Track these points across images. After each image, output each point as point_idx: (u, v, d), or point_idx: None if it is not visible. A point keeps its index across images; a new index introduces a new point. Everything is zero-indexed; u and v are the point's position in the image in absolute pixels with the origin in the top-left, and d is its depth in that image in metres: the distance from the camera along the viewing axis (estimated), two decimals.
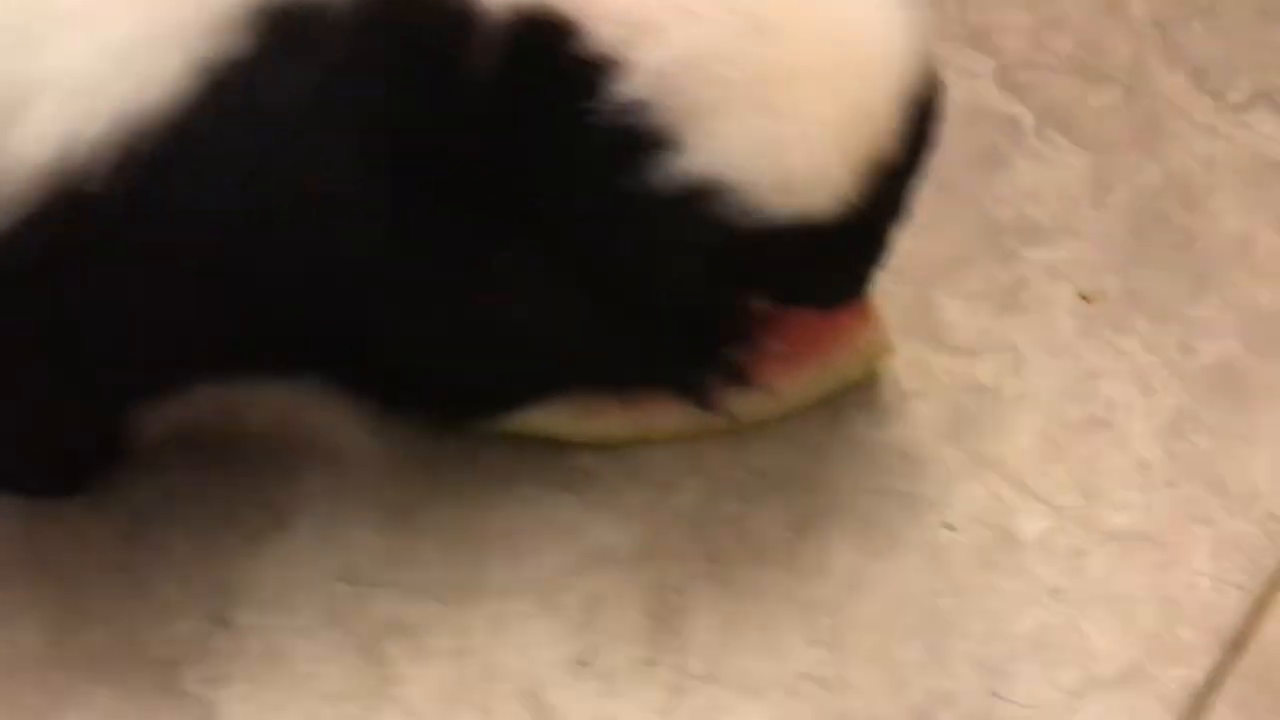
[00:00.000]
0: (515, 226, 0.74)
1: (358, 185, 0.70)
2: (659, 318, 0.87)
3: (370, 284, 0.75)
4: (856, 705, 0.83)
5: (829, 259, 0.78)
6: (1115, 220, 1.02)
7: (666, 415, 0.91)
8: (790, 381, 0.91)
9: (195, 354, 0.79)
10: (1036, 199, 1.04)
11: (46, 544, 0.95)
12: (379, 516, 0.94)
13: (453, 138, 0.70)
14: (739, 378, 0.89)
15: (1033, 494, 0.90)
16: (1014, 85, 1.12)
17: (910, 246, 1.01)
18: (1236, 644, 0.83)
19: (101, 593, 0.93)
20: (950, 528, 0.89)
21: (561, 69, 0.68)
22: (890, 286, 0.99)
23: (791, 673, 0.84)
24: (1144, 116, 1.08)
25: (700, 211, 0.70)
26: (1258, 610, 0.85)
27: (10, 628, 0.91)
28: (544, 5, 0.67)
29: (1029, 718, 0.82)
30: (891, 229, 0.80)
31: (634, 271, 0.76)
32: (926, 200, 1.04)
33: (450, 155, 0.70)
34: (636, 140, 0.68)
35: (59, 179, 0.65)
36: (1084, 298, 0.98)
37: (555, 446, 0.95)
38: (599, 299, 0.80)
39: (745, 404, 0.90)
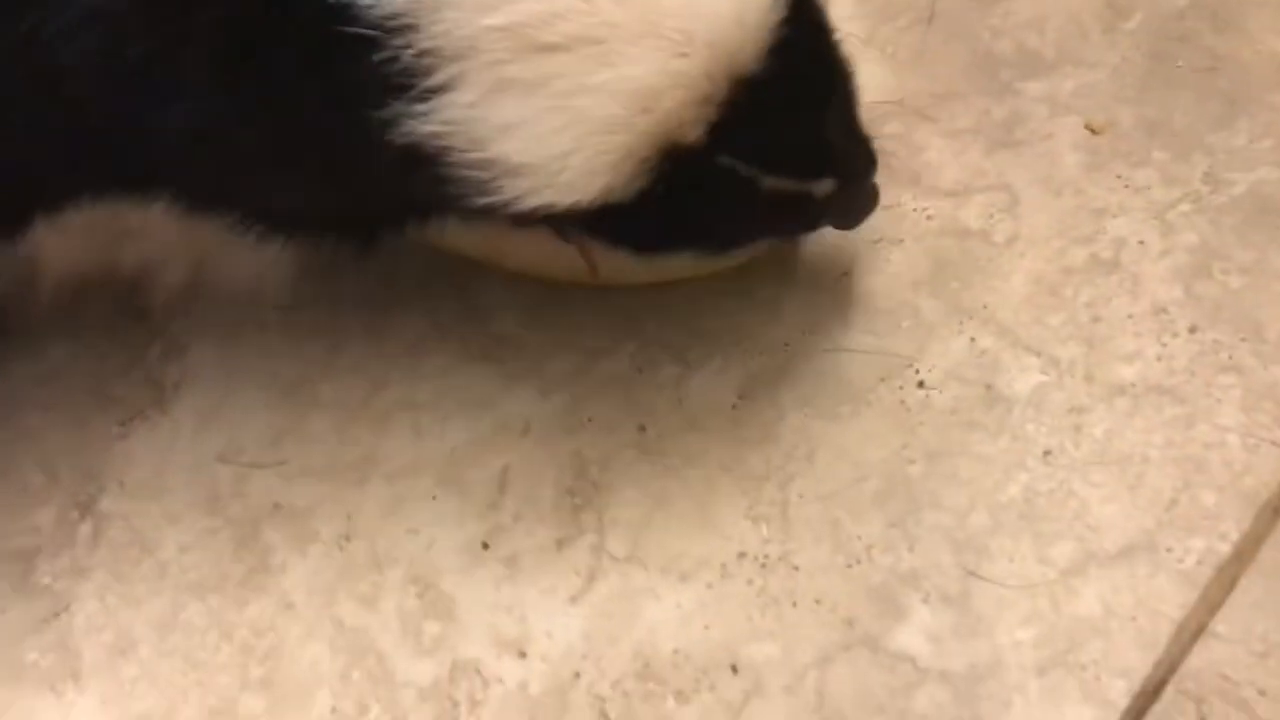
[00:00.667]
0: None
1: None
2: None
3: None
4: (802, 588, 0.69)
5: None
6: (1131, 47, 0.87)
7: (528, 247, 0.78)
8: None
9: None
10: (1039, 30, 0.90)
11: None
12: (270, 394, 0.82)
13: None
14: None
15: (1024, 346, 0.75)
16: None
17: (891, 84, 0.88)
18: (1275, 507, 0.67)
19: None
20: (924, 386, 0.75)
21: None
22: (867, 125, 0.86)
23: (727, 552, 0.71)
24: None
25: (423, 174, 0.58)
26: None
27: None
28: None
29: (1014, 600, 0.67)
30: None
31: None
32: (911, 38, 0.91)
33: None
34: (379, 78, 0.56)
35: None
36: (1091, 130, 0.83)
37: (477, 314, 0.83)
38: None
39: (610, 256, 0.76)
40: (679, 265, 0.76)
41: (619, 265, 0.76)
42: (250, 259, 0.89)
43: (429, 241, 0.82)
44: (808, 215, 0.70)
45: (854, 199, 0.71)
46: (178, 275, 0.91)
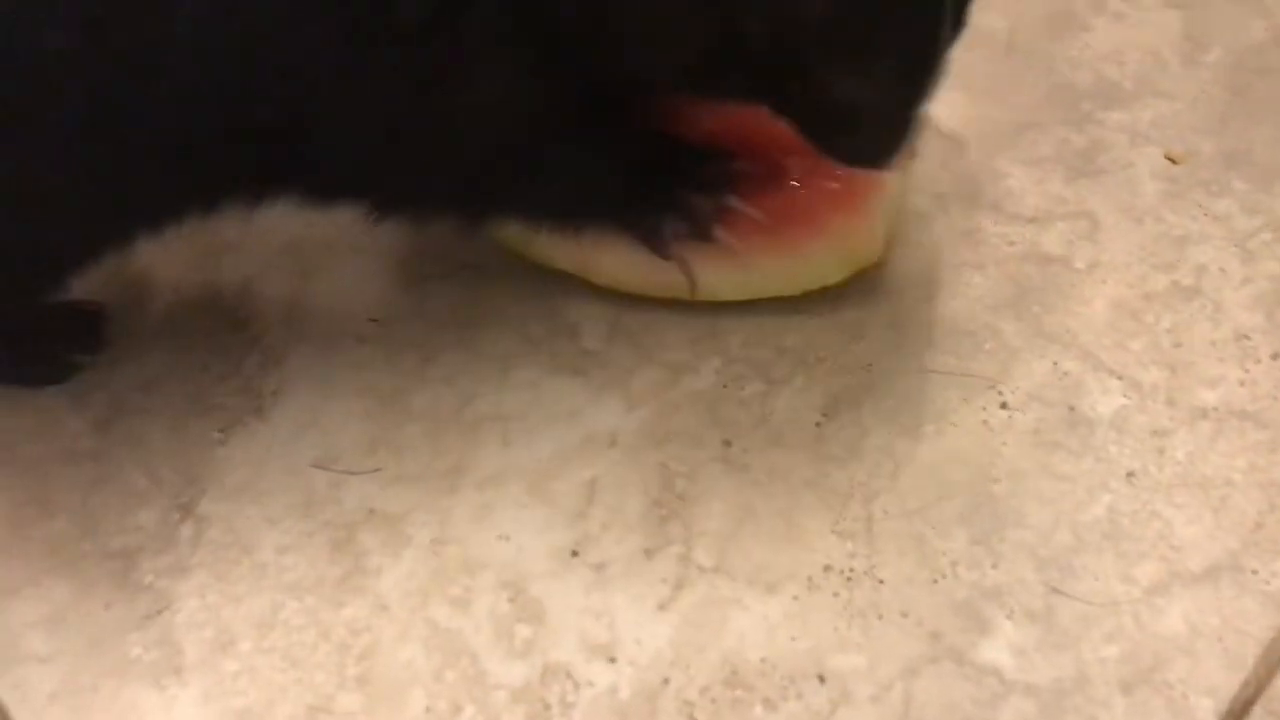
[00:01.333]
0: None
1: None
2: (617, 132, 0.76)
3: (322, 64, 0.65)
4: (888, 601, 0.70)
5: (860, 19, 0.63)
6: (1210, 79, 0.89)
7: (623, 260, 0.80)
8: (758, 255, 0.79)
9: (174, 165, 0.71)
10: (1118, 61, 0.91)
11: (18, 435, 0.89)
12: (365, 403, 0.85)
13: None
14: (699, 227, 0.77)
15: (1107, 369, 0.76)
16: None
17: (972, 113, 0.90)
18: None
19: (67, 483, 0.86)
20: (1007, 407, 0.76)
21: None
22: (948, 152, 0.88)
23: (813, 565, 0.72)
24: None
25: None
26: None
27: None
28: None
29: (1098, 617, 0.68)
30: (921, 37, 0.66)
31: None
32: (991, 66, 0.93)
33: None
34: None
35: None
36: (1171, 160, 0.85)
37: (564, 329, 0.85)
38: (562, 95, 0.69)
39: (707, 270, 0.78)
40: (770, 279, 0.78)
41: (714, 280, 0.78)
42: (346, 273, 0.93)
43: (522, 256, 0.85)
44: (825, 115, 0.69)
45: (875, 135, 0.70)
46: (276, 288, 0.94)
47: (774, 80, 0.67)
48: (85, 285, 0.89)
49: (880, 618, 0.70)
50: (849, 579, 0.72)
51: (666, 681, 0.70)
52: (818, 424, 0.77)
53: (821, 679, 0.68)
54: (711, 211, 0.76)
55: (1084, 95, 0.90)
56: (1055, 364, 0.77)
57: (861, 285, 0.82)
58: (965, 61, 0.90)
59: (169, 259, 0.95)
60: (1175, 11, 0.93)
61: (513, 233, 0.82)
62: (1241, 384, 0.74)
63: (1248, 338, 0.76)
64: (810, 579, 0.72)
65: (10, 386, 0.91)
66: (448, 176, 0.74)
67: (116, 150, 0.71)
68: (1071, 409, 0.75)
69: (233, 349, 0.91)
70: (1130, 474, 0.72)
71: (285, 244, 0.93)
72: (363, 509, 0.80)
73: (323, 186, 0.75)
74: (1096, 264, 0.81)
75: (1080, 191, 0.85)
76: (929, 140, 0.87)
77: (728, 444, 0.78)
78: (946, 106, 0.87)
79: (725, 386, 0.80)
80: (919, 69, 0.66)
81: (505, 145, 0.72)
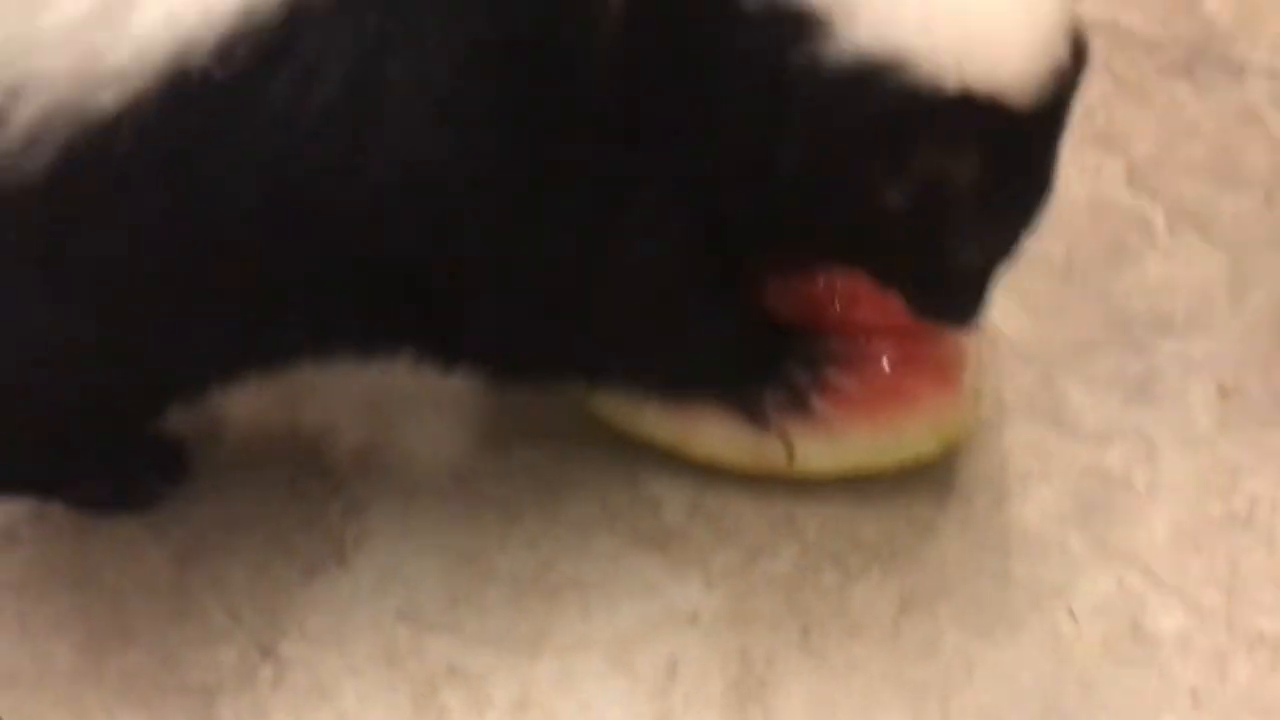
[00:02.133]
0: (645, 171, 0.69)
1: (474, 102, 0.66)
2: (737, 310, 0.81)
3: (474, 222, 0.70)
4: None
5: (997, 185, 0.69)
6: (1256, 319, 0.96)
7: (722, 434, 0.85)
8: (855, 429, 0.84)
9: (287, 307, 0.74)
10: (1169, 293, 0.98)
11: (97, 560, 0.90)
12: (446, 559, 0.88)
13: (587, 61, 0.65)
14: (799, 401, 0.82)
15: (1168, 588, 0.81)
16: (1145, 185, 1.07)
17: (1035, 330, 0.96)
18: None
19: (147, 613, 0.87)
20: (1074, 617, 0.80)
21: None
22: (1011, 366, 0.94)
23: None
24: None
25: (876, 88, 0.63)
26: None
27: (48, 641, 0.86)
28: None
29: None
30: (1040, 194, 0.72)
31: (805, 182, 0.68)
32: (1051, 288, 1.00)
33: (583, 82, 0.66)
34: (792, 26, 0.63)
35: (172, 60, 0.62)
36: (1222, 392, 0.91)
37: (644, 502, 0.89)
38: (701, 262, 0.74)
39: (805, 443, 0.83)
40: (865, 452, 0.82)
41: (810, 452, 0.82)
42: (427, 427, 0.96)
43: (613, 427, 0.89)
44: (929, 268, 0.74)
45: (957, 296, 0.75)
46: (357, 436, 0.97)
47: (895, 245, 0.72)
48: (169, 418, 0.92)
49: None
50: None
51: None
52: (894, 619, 0.81)
53: None
54: (810, 385, 0.81)
55: (1138, 323, 0.96)
56: (1119, 579, 0.82)
57: (933, 485, 0.87)
58: (1026, 282, 0.97)
59: (249, 397, 0.98)
60: (1222, 254, 1.01)
61: (605, 405, 0.86)
62: None
63: None
64: None
65: (92, 512, 0.93)
66: (581, 344, 0.79)
67: (252, 295, 0.74)
68: (1135, 625, 0.79)
69: (315, 494, 0.93)
70: (1194, 692, 0.76)
71: (364, 391, 0.96)
72: (444, 665, 0.82)
73: (449, 349, 0.79)
74: (1156, 485, 0.86)
75: (1137, 414, 0.91)
76: (994, 354, 0.93)
77: (806, 631, 0.81)
78: (1009, 324, 0.93)
79: (803, 573, 0.84)
80: (1025, 229, 0.73)
81: (647, 313, 0.76)
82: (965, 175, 0.68)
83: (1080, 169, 0.91)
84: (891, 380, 0.83)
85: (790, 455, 0.82)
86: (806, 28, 0.64)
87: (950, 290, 0.76)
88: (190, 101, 0.63)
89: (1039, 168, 0.72)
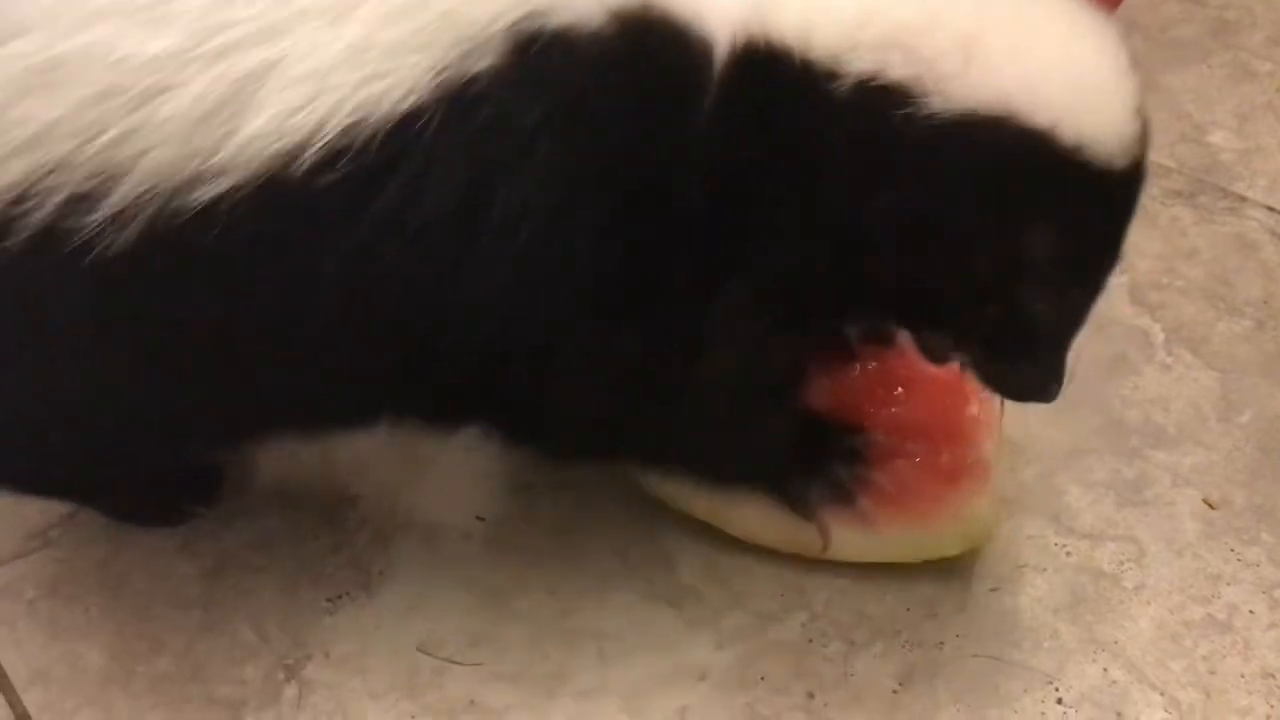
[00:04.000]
0: (735, 270, 0.73)
1: (579, 221, 0.70)
2: (794, 410, 0.86)
3: (568, 328, 0.74)
4: None
5: (1082, 246, 0.72)
6: (1243, 438, 1.02)
7: (760, 516, 0.90)
8: (889, 524, 0.89)
9: (370, 384, 0.78)
10: (1164, 407, 1.05)
11: (129, 569, 0.93)
12: (470, 596, 0.92)
13: (683, 173, 0.70)
14: (842, 496, 0.87)
15: (1150, 683, 0.86)
16: (1145, 302, 1.14)
17: (1037, 431, 1.02)
18: None
19: (175, 625, 0.90)
20: (1062, 703, 0.85)
21: (787, 81, 0.68)
22: (1015, 464, 0.99)
23: None
24: (1274, 349, 1.09)
25: (986, 135, 0.66)
26: None
27: (79, 643, 0.89)
28: (763, 29, 0.69)
29: None
30: (1114, 259, 0.75)
31: (892, 238, 0.70)
32: None
33: (680, 194, 0.70)
34: (886, 100, 0.66)
35: (274, 164, 0.66)
36: (1208, 504, 0.97)
37: (661, 559, 0.93)
38: (775, 364, 0.79)
39: (839, 533, 0.88)
40: (894, 546, 0.88)
41: (842, 542, 0.87)
42: (454, 466, 1.00)
43: (650, 493, 0.93)
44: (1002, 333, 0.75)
45: (1030, 372, 0.77)
46: (386, 471, 1.01)
47: (979, 308, 0.74)
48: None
49: None
50: None
51: None
52: (894, 691, 0.85)
53: None
54: (852, 481, 0.86)
55: (1133, 431, 1.03)
56: (1105, 670, 0.87)
57: (937, 569, 0.92)
58: None
59: None
60: (1214, 373, 1.07)
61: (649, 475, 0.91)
62: (1267, 718, 0.84)
63: (1273, 676, 0.86)
64: None
65: (125, 522, 0.96)
66: (650, 436, 0.84)
67: (325, 378, 0.78)
68: (1119, 714, 0.84)
69: (344, 524, 0.97)
70: None
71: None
72: (464, 699, 0.85)
73: (519, 431, 0.83)
74: (1142, 586, 0.92)
75: (1129, 518, 0.96)
76: (1000, 449, 0.98)
77: (810, 696, 0.85)
78: (1014, 422, 0.99)
79: (810, 641, 0.88)
80: (1093, 303, 0.76)
81: (724, 410, 0.81)
82: (1056, 233, 0.71)
83: None
84: (924, 481, 0.88)
85: (826, 545, 0.87)
86: (901, 95, 0.67)
87: (1025, 359, 0.77)
88: (286, 203, 0.66)
89: (1120, 230, 0.74)
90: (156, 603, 0.91)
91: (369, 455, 1.01)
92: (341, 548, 0.95)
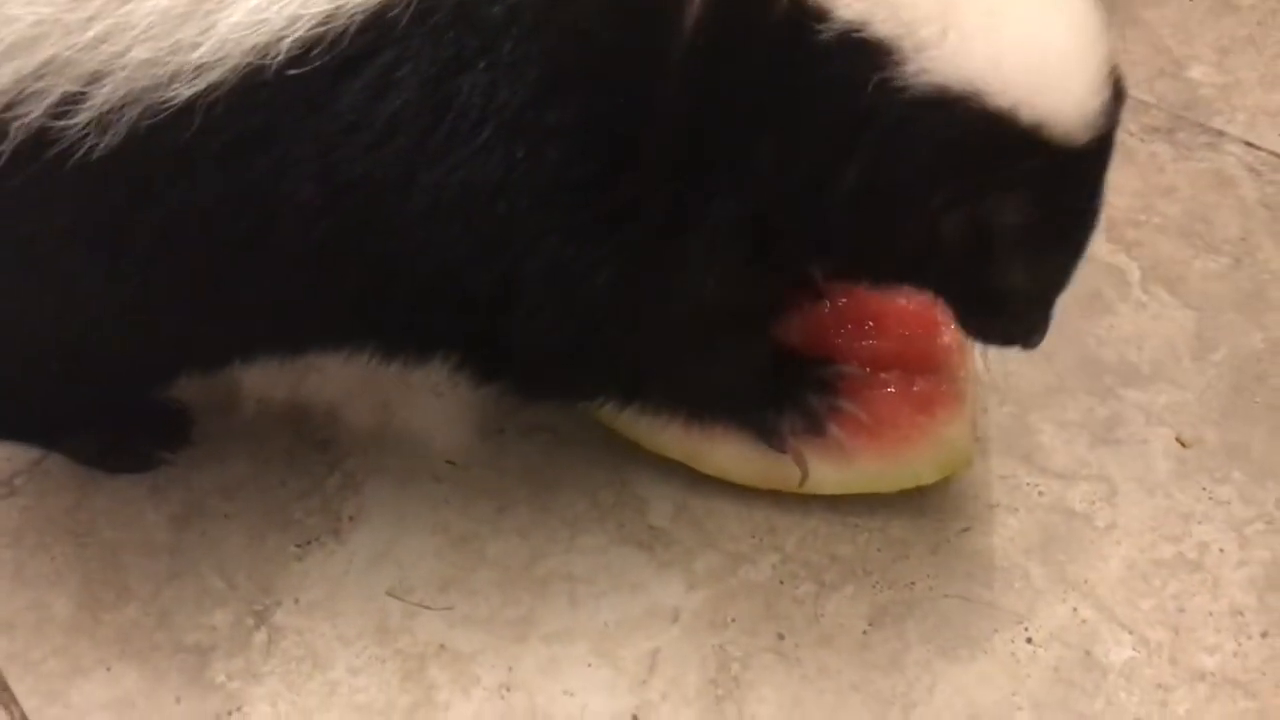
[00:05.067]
0: (708, 199, 0.71)
1: (545, 123, 0.68)
2: (767, 343, 0.86)
3: (533, 240, 0.72)
4: None
5: (1049, 218, 0.72)
6: (1216, 376, 1.02)
7: (735, 452, 0.89)
8: (864, 455, 0.89)
9: (330, 303, 0.77)
10: (1138, 345, 1.04)
11: (96, 517, 0.93)
12: (440, 541, 0.91)
13: (659, 88, 0.68)
14: (814, 425, 0.87)
15: (1119, 622, 0.86)
16: (1122, 240, 1.13)
17: (1011, 369, 1.01)
18: None
19: (143, 572, 0.90)
20: (1031, 643, 0.85)
21: (773, 11, 0.67)
22: (989, 403, 0.99)
23: None
24: (1250, 287, 1.08)
25: (945, 116, 0.66)
26: None
27: (45, 591, 0.88)
28: None
29: None
30: (1092, 220, 0.76)
31: (864, 203, 0.70)
32: None
33: (656, 108, 0.69)
34: (866, 54, 0.66)
35: (250, 58, 0.65)
36: (1181, 443, 0.97)
37: (632, 502, 0.93)
38: (746, 295, 0.78)
39: (814, 465, 0.88)
40: (871, 477, 0.88)
41: (819, 474, 0.87)
42: (426, 413, 0.99)
43: (624, 433, 0.92)
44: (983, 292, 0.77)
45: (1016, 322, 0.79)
46: (357, 416, 1.00)
47: (951, 270, 0.75)
48: (178, 385, 0.94)
49: None
50: None
51: None
52: (864, 631, 0.85)
53: None
54: (824, 410, 0.86)
55: (1108, 370, 1.02)
56: (1075, 610, 0.87)
57: (908, 508, 0.92)
58: None
59: (254, 371, 1.01)
60: (1189, 311, 1.07)
61: (617, 415, 0.90)
62: (1235, 655, 0.85)
63: (1241, 614, 0.87)
64: None
65: (91, 467, 0.95)
66: (622, 367, 0.83)
67: (296, 288, 0.77)
68: (1087, 653, 0.85)
69: (313, 469, 0.96)
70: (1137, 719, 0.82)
71: (367, 375, 0.99)
72: (434, 643, 0.85)
73: (491, 362, 0.82)
74: (1113, 525, 0.92)
75: (1101, 457, 0.96)
76: (972, 376, 0.98)
77: (781, 637, 0.85)
78: (989, 362, 0.98)
79: (781, 583, 0.88)
80: (1077, 259, 0.76)
81: (693, 340, 0.80)
82: (1018, 208, 0.71)
83: None
84: (899, 410, 0.88)
85: (804, 476, 0.87)
86: (882, 57, 0.67)
87: (1006, 315, 0.79)
88: (261, 97, 0.66)
89: (1087, 201, 0.75)
90: (124, 550, 0.91)
91: (339, 400, 1.00)
92: (310, 494, 0.94)
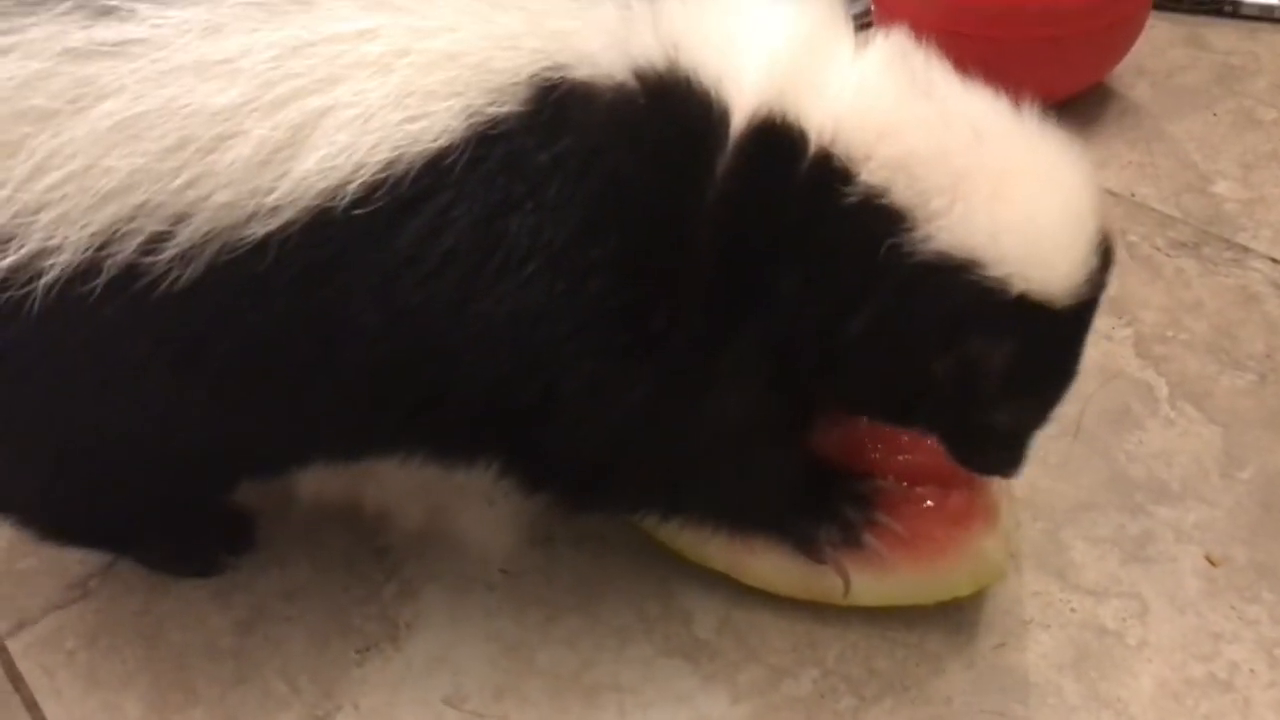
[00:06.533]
0: (738, 331, 0.78)
1: (587, 258, 0.74)
2: (800, 455, 0.91)
3: (575, 364, 0.78)
4: None
5: (1032, 368, 0.81)
6: (1245, 493, 1.05)
7: (776, 564, 0.93)
8: (899, 565, 0.92)
9: (389, 415, 0.82)
10: (1167, 462, 1.07)
11: (163, 620, 0.97)
12: (493, 649, 0.95)
13: (692, 229, 0.75)
14: (851, 538, 0.91)
15: None
16: (1150, 355, 1.17)
17: (1044, 485, 1.05)
18: None
19: (208, 675, 0.93)
20: None
21: (802, 167, 0.74)
22: (1022, 519, 1.02)
23: None
24: (1276, 404, 1.12)
25: (951, 279, 0.74)
26: None
27: (117, 693, 0.92)
28: (782, 109, 0.74)
29: None
30: (1066, 377, 0.84)
31: (868, 346, 0.78)
32: (1061, 446, 1.09)
33: (688, 247, 0.75)
34: (885, 218, 0.74)
35: (320, 199, 0.70)
36: (1210, 561, 1.00)
37: (677, 614, 0.96)
38: (777, 413, 0.84)
39: (853, 575, 0.91)
40: (908, 588, 0.92)
41: (857, 585, 0.91)
42: (478, 520, 1.03)
43: (668, 545, 0.96)
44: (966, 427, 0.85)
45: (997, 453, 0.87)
46: (412, 522, 1.04)
47: (940, 408, 0.83)
48: (242, 491, 0.99)
49: None
50: None
51: None
52: None
53: None
54: (861, 522, 0.90)
55: (1138, 487, 1.05)
56: None
57: (944, 624, 0.95)
58: (1040, 439, 1.06)
59: (313, 478, 1.05)
60: (1217, 427, 1.10)
61: (662, 526, 0.94)
62: None
63: None
64: None
65: (160, 572, 0.99)
66: (661, 481, 0.87)
67: (357, 402, 0.82)
68: None
69: (371, 575, 1.00)
70: None
71: (420, 481, 1.03)
72: None
73: (535, 473, 0.87)
74: (1145, 643, 0.95)
75: (1132, 574, 0.99)
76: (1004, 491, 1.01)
77: None
78: (1022, 477, 1.01)
79: (822, 696, 0.91)
80: (1055, 402, 0.85)
81: (728, 456, 0.85)
82: (1004, 359, 0.80)
83: (1094, 334, 1.00)
84: (935, 523, 0.92)
85: (846, 585, 0.91)
86: (897, 222, 0.74)
87: (988, 447, 0.87)
88: (329, 234, 0.71)
89: (1067, 355, 0.83)
90: (191, 653, 0.94)
91: (394, 506, 1.05)
92: (369, 600, 0.98)
